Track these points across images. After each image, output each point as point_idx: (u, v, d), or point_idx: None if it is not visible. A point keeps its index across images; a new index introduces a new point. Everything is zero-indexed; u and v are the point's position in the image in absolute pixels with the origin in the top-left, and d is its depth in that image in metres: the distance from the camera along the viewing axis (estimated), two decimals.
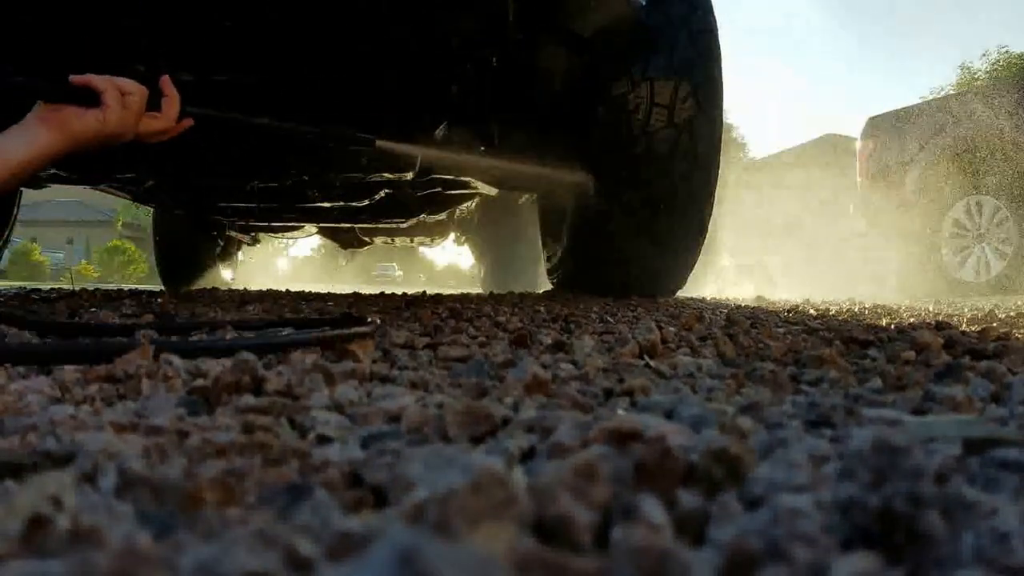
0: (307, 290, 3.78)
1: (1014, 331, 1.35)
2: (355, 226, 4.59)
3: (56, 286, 4.89)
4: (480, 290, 4.86)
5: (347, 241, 5.31)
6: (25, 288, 3.80)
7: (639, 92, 2.23)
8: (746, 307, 2.37)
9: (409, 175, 2.33)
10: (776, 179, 15.09)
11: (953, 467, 0.40)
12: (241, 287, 4.58)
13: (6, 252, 3.52)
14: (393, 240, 5.90)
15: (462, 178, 2.48)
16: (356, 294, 3.12)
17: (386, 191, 2.70)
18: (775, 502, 0.30)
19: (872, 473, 0.32)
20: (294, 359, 0.82)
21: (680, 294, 2.81)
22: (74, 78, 1.30)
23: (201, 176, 2.55)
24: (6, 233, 3.17)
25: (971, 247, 5.12)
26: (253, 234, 4.99)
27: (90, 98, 1.29)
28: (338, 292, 3.52)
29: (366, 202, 2.86)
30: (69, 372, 0.72)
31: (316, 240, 5.77)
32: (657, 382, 0.74)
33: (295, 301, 2.33)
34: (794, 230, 11.34)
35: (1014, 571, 0.27)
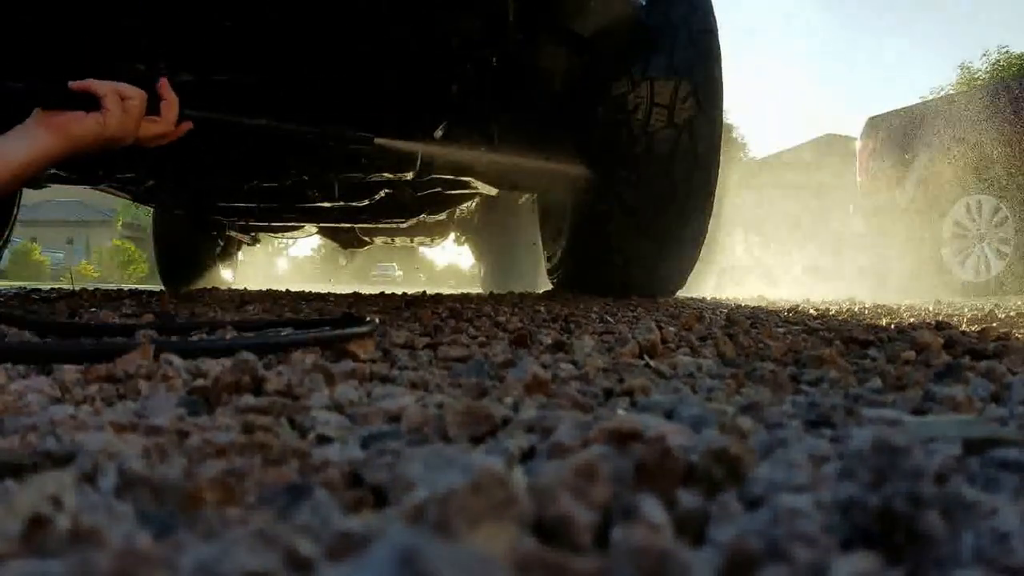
0: (307, 290, 3.78)
1: (1014, 331, 1.35)
2: (355, 226, 4.59)
3: (56, 286, 4.89)
4: (480, 290, 4.86)
5: (347, 241, 5.31)
6: (25, 288, 3.80)
7: (639, 92, 2.23)
8: (746, 307, 2.37)
9: (409, 175, 2.33)
10: (776, 179, 15.09)
11: (953, 467, 0.40)
12: (241, 287, 4.59)
13: (6, 252, 3.52)
14: (393, 240, 5.90)
15: (462, 178, 2.48)
16: (356, 294, 3.12)
17: (386, 191, 2.70)
18: (775, 502, 0.31)
19: (872, 473, 0.32)
20: (294, 359, 0.82)
21: (680, 294, 2.81)
22: (73, 84, 1.30)
23: (201, 176, 2.55)
24: (6, 233, 3.17)
25: (971, 247, 5.13)
26: (253, 234, 4.99)
27: (90, 103, 1.30)
28: (338, 292, 3.52)
29: (366, 202, 2.86)
30: (69, 372, 0.72)
31: (316, 240, 5.77)
32: (657, 382, 0.74)
33: (295, 301, 2.33)
34: (794, 230, 11.34)
35: (1014, 571, 0.27)
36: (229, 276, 5.46)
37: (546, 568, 0.24)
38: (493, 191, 2.69)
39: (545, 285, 3.34)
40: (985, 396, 0.64)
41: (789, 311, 2.06)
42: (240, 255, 5.83)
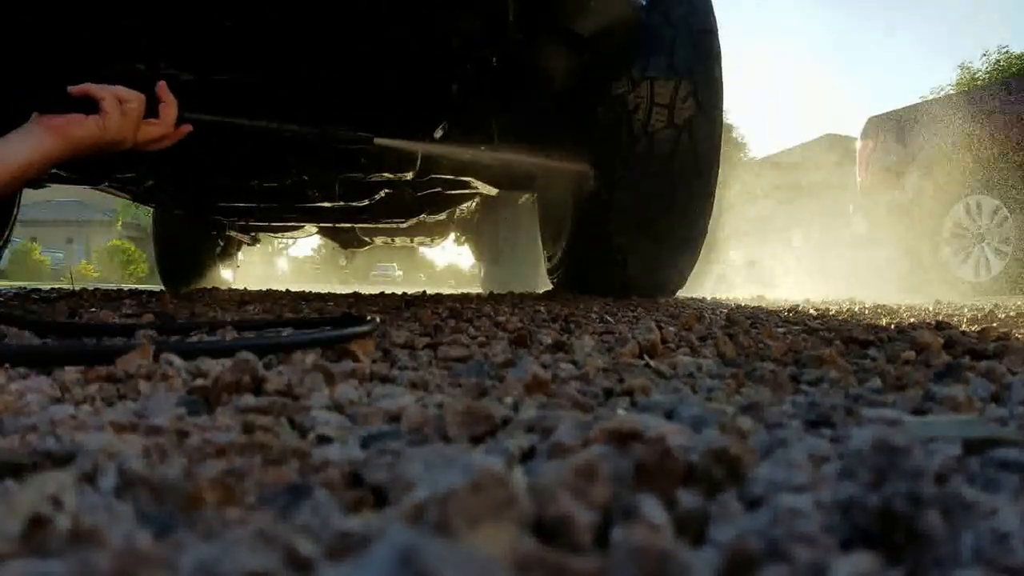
0: (307, 290, 3.78)
1: (1014, 331, 1.35)
2: (355, 226, 4.59)
3: (56, 286, 4.90)
4: (480, 290, 4.86)
5: (347, 241, 5.32)
6: (25, 288, 3.80)
7: (639, 92, 2.23)
8: (746, 307, 2.37)
9: (409, 175, 2.33)
10: (776, 179, 15.09)
11: (953, 467, 0.40)
12: (241, 287, 4.59)
13: (6, 252, 3.52)
14: (393, 240, 5.91)
15: (462, 178, 2.48)
16: (356, 294, 3.12)
17: (386, 191, 2.70)
18: (775, 502, 0.31)
19: (872, 473, 0.32)
20: (294, 359, 0.82)
21: (680, 294, 2.81)
22: (72, 88, 1.31)
23: (201, 176, 2.55)
24: (6, 233, 3.17)
25: (971, 247, 5.12)
26: (253, 234, 5.00)
27: (89, 107, 1.31)
28: (338, 292, 3.52)
29: (366, 202, 2.86)
30: (69, 372, 0.72)
31: (316, 240, 5.78)
32: (657, 382, 0.74)
33: (295, 301, 2.33)
34: (794, 230, 11.34)
35: (1014, 571, 0.27)
36: (229, 276, 5.47)
37: (546, 568, 0.24)
38: (493, 191, 2.69)
39: (545, 285, 3.34)
40: (985, 396, 0.64)
41: (789, 311, 2.06)
42: (240, 255, 5.83)
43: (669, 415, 0.56)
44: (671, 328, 1.28)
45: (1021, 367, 0.83)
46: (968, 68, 20.65)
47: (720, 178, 2.43)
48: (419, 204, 3.10)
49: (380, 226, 4.46)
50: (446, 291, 4.45)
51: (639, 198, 2.33)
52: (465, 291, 4.56)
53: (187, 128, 1.46)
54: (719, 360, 0.93)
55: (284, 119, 1.71)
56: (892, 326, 1.40)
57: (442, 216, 4.14)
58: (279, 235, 5.21)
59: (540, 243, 3.38)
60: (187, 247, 4.92)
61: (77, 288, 3.51)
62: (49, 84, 1.30)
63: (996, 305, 2.81)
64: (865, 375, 0.77)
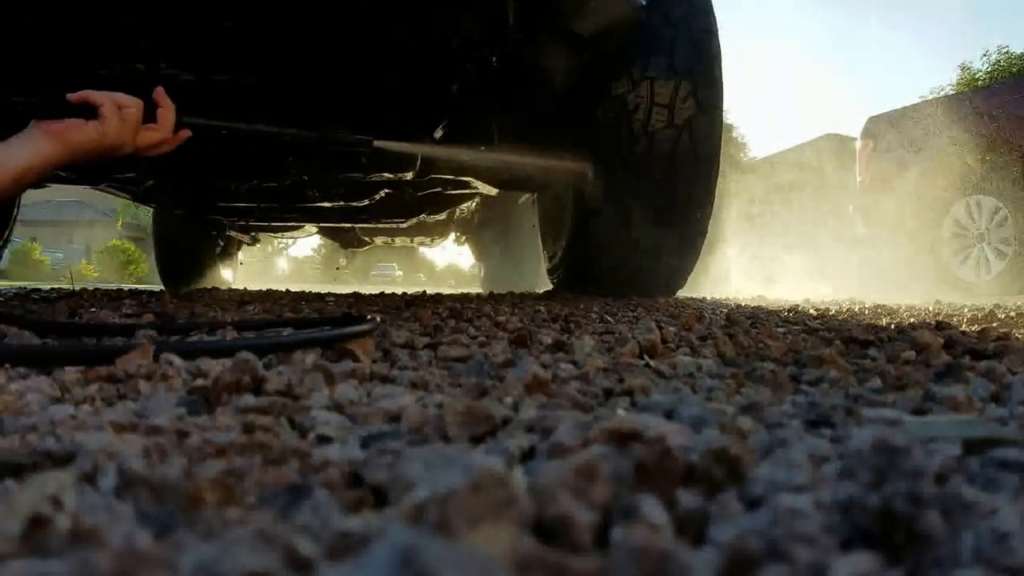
0: (307, 290, 3.78)
1: (1014, 331, 1.35)
2: (355, 226, 4.59)
3: (56, 286, 4.89)
4: (480, 290, 4.86)
5: (347, 241, 5.32)
6: (25, 288, 3.80)
7: (639, 92, 2.23)
8: (746, 307, 2.37)
9: (409, 175, 2.33)
10: (776, 179, 15.09)
11: (953, 467, 0.40)
12: (241, 287, 4.59)
13: (6, 252, 3.52)
14: (393, 240, 5.91)
15: (462, 178, 2.48)
16: (356, 294, 3.12)
17: (386, 191, 2.70)
18: (775, 502, 0.31)
19: (872, 473, 0.32)
20: (294, 359, 0.82)
21: (680, 294, 2.81)
22: (71, 95, 1.32)
23: (201, 176, 2.55)
24: (6, 233, 3.18)
25: (971, 247, 5.12)
26: (253, 234, 5.00)
27: (88, 113, 1.31)
28: (338, 292, 3.52)
29: (366, 202, 2.86)
30: (69, 372, 0.72)
31: (316, 240, 5.78)
32: (657, 382, 0.74)
33: (295, 301, 2.33)
34: (794, 230, 11.34)
35: (1014, 571, 0.27)
36: (229, 276, 5.47)
37: (546, 568, 0.24)
38: (493, 191, 2.69)
39: (545, 285, 3.34)
40: (985, 396, 0.64)
41: (789, 311, 2.06)
42: (240, 255, 5.84)
43: (669, 415, 0.56)
44: (671, 328, 1.28)
45: (1021, 367, 0.83)
46: (968, 68, 20.64)
47: (720, 178, 2.43)
48: (419, 204, 3.10)
49: (380, 226, 4.46)
50: (446, 291, 4.45)
51: (639, 198, 2.33)
52: (465, 291, 4.56)
53: (186, 133, 1.46)
54: (719, 360, 0.93)
55: (284, 118, 1.71)
56: (892, 326, 1.40)
57: (442, 216, 4.14)
58: (279, 235, 5.21)
59: (540, 243, 3.38)
60: (187, 247, 4.93)
61: (77, 288, 3.51)
62: (49, 87, 1.30)
63: (996, 305, 2.81)
64: (865, 375, 0.77)
